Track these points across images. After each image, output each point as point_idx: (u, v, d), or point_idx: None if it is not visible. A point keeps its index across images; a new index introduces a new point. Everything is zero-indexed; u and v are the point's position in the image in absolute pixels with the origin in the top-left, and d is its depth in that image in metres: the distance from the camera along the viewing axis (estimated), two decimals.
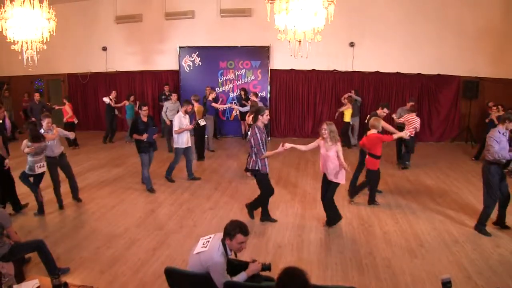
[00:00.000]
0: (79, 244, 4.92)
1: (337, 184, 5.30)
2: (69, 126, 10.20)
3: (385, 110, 6.99)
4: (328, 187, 5.32)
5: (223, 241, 3.11)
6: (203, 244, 3.16)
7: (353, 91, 10.69)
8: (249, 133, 5.55)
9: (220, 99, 11.66)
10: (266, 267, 3.29)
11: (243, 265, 3.29)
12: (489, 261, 4.48)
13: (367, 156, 6.18)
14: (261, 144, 5.26)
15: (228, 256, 3.13)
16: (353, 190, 6.50)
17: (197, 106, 8.94)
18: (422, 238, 5.11)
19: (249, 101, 10.79)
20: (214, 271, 2.99)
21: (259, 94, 11.26)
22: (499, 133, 5.01)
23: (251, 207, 5.74)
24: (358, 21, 11.20)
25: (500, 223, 5.37)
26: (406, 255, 4.65)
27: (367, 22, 11.22)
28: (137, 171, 8.26)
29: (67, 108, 10.22)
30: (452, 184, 7.45)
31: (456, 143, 11.02)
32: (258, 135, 5.25)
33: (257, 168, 5.36)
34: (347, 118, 10.32)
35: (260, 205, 5.66)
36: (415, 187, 7.33)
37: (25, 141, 5.48)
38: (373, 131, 6.09)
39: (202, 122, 8.81)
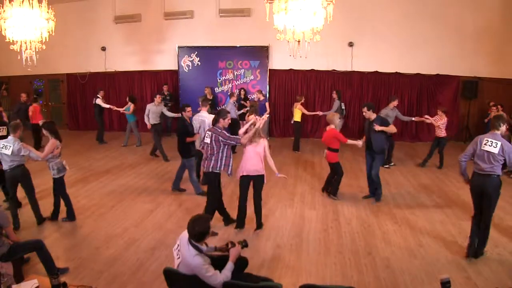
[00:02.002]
0: (78, 244, 4.92)
1: (262, 177, 5.17)
2: (34, 128, 10.04)
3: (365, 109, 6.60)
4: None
5: (190, 241, 3.03)
6: (177, 255, 3.13)
7: (335, 92, 10.25)
8: (208, 135, 5.20)
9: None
10: (244, 245, 3.36)
11: (225, 257, 3.26)
12: (488, 261, 4.48)
13: (326, 151, 6.50)
14: (231, 135, 5.09)
15: (203, 251, 3.05)
16: (327, 186, 6.79)
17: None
18: (421, 238, 5.12)
19: (248, 101, 10.80)
20: (199, 274, 2.96)
21: (263, 92, 11.18)
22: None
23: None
24: (357, 21, 11.21)
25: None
26: (405, 255, 4.66)
27: (366, 22, 11.23)
28: (136, 170, 8.29)
29: (30, 110, 9.99)
30: (452, 184, 7.46)
31: (455, 143, 11.02)
32: (224, 131, 5.07)
33: (218, 170, 5.12)
34: (297, 117, 9.98)
35: (211, 209, 5.28)
36: (414, 187, 7.33)
37: (53, 141, 5.32)
38: (331, 127, 6.36)
39: None
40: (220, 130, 5.10)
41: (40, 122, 10.10)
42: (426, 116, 8.69)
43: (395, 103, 8.50)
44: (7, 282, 3.44)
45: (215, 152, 5.10)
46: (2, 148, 5.12)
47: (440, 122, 8.32)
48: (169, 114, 9.85)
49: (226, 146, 5.14)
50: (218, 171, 5.16)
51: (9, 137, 5.27)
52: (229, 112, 5.33)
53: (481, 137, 4.45)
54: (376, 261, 4.51)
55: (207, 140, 5.14)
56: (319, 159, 9.25)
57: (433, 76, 11.33)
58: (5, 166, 5.23)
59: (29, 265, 4.25)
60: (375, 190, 6.54)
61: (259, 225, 5.29)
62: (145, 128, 9.75)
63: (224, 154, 5.15)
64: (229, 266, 3.11)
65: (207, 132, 5.21)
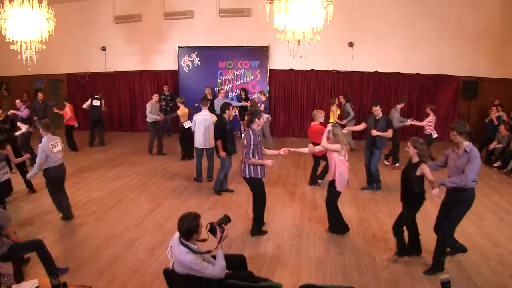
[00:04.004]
0: (78, 244, 4.93)
1: (334, 187, 5.01)
2: (68, 130, 10.17)
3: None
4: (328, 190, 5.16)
5: (180, 240, 3.04)
6: (170, 256, 3.13)
7: (342, 96, 10.16)
8: (243, 135, 5.29)
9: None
10: (228, 220, 3.29)
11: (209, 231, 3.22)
12: (488, 261, 4.49)
13: (311, 144, 6.63)
14: (252, 147, 4.91)
15: (195, 250, 3.03)
16: (314, 178, 7.23)
17: (182, 109, 8.95)
18: (421, 238, 5.10)
19: (248, 101, 10.80)
20: (194, 270, 2.97)
21: (266, 94, 11.18)
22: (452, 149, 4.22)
23: (256, 223, 5.24)
24: (357, 21, 11.20)
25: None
26: (405, 255, 4.65)
27: (366, 22, 11.23)
28: (137, 170, 8.29)
29: (67, 110, 10.01)
30: None
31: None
32: (252, 136, 4.92)
33: (248, 176, 5.01)
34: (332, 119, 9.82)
35: (260, 216, 5.24)
36: None
37: None
38: (315, 123, 6.74)
39: (187, 125, 8.89)
40: (250, 133, 4.95)
41: (76, 124, 10.20)
42: (414, 122, 8.68)
43: (403, 105, 8.65)
44: (7, 282, 3.44)
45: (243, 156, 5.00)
46: (52, 147, 5.28)
47: (426, 120, 8.34)
48: (152, 116, 9.64)
49: (251, 149, 4.93)
50: (248, 176, 5.02)
51: (48, 136, 5.36)
52: (263, 111, 5.30)
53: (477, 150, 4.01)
54: (376, 261, 4.51)
55: (245, 143, 5.00)
56: None
57: (433, 76, 11.33)
58: (53, 164, 5.32)
59: (29, 265, 4.26)
60: (372, 183, 7.05)
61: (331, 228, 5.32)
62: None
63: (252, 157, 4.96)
64: (220, 254, 3.12)
65: (244, 133, 5.10)
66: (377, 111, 6.82)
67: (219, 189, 6.83)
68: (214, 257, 3.21)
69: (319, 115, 6.74)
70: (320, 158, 7.00)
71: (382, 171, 8.14)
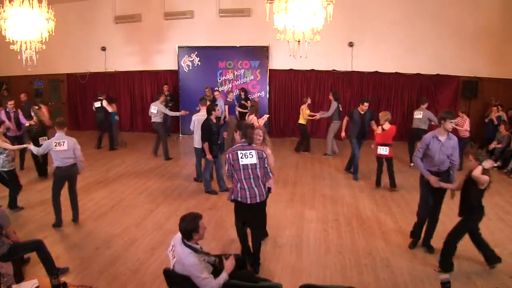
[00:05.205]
0: (78, 244, 4.93)
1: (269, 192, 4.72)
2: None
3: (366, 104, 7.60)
4: None
5: (183, 241, 3.05)
6: (172, 255, 3.14)
7: (331, 94, 9.98)
8: (250, 153, 4.01)
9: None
10: (238, 258, 3.39)
11: (219, 263, 3.27)
12: None
13: (388, 149, 6.95)
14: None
15: (198, 250, 3.05)
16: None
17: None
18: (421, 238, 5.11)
19: (248, 101, 10.80)
20: (192, 274, 2.96)
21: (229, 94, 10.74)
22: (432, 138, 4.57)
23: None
24: (357, 21, 11.20)
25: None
26: (405, 255, 4.66)
27: (366, 22, 11.22)
28: (136, 170, 8.29)
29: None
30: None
31: None
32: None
33: (265, 197, 4.34)
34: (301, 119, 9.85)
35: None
36: (415, 186, 7.31)
37: None
38: (387, 124, 6.92)
39: None
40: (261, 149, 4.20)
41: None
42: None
43: (427, 104, 8.72)
44: (7, 282, 3.44)
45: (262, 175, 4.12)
46: (56, 146, 5.22)
47: (466, 124, 8.22)
48: (171, 113, 9.77)
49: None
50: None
51: (59, 134, 5.34)
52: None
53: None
54: (376, 261, 4.51)
55: (252, 161, 4.00)
56: (319, 159, 9.26)
57: (433, 76, 11.32)
58: (61, 164, 5.31)
59: (29, 265, 4.26)
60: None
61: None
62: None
63: None
64: (224, 275, 3.11)
65: (249, 150, 3.99)
66: (367, 107, 7.56)
67: (212, 190, 6.82)
68: (215, 257, 3.24)
69: (389, 117, 7.02)
70: (387, 160, 7.10)
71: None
